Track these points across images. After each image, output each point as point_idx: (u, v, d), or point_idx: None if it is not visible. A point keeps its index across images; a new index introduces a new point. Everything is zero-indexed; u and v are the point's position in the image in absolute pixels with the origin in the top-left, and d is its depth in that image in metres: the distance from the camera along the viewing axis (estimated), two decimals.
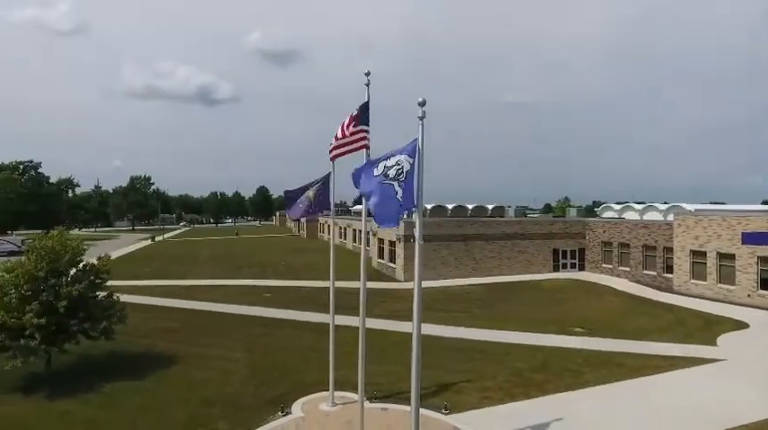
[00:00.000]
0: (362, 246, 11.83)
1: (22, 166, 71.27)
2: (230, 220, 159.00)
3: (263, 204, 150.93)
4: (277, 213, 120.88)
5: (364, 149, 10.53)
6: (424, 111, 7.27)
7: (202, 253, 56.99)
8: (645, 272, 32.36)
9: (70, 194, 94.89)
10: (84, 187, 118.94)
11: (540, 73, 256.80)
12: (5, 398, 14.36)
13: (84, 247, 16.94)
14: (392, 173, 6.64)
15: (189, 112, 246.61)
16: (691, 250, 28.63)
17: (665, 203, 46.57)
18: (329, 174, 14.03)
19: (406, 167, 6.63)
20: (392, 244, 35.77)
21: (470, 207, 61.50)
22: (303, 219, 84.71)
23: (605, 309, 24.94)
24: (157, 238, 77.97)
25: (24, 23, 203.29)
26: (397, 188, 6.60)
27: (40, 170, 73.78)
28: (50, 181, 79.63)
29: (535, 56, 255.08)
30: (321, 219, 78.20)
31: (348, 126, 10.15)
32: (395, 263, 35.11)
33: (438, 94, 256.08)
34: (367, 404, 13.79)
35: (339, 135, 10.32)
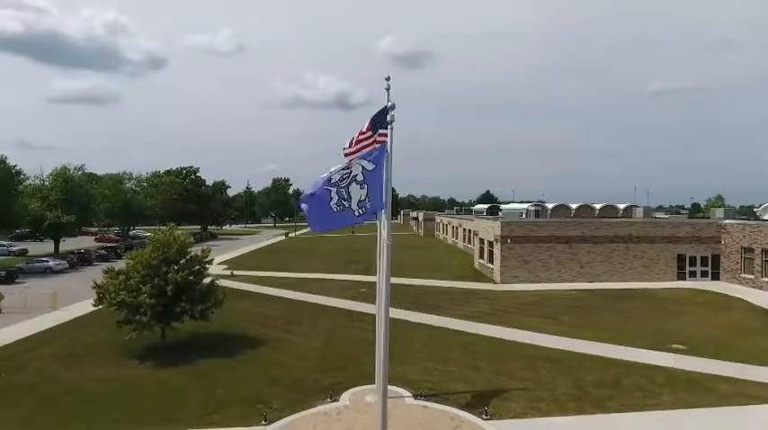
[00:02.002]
0: (380, 243, 12.10)
1: (185, 171, 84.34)
2: None
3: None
4: (401, 212, 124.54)
5: (383, 145, 10.85)
6: (393, 116, 7.51)
7: (322, 248, 61.33)
8: None
9: (224, 195, 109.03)
10: (238, 188, 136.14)
11: (698, 55, 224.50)
12: (125, 362, 17.61)
13: (190, 241, 19.86)
14: (336, 178, 6.96)
15: (328, 118, 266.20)
16: None
17: None
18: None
19: (356, 171, 6.91)
20: (491, 244, 34.96)
21: (598, 207, 56.92)
22: (421, 217, 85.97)
23: (724, 326, 21.58)
24: (290, 235, 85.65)
25: (196, 48, 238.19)
26: (334, 194, 6.89)
27: (198, 174, 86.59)
28: (207, 183, 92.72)
29: (693, 36, 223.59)
30: (438, 218, 78.67)
31: (366, 130, 10.55)
32: (493, 263, 34.27)
33: (573, 85, 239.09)
34: (410, 400, 14.20)
35: (356, 139, 10.74)
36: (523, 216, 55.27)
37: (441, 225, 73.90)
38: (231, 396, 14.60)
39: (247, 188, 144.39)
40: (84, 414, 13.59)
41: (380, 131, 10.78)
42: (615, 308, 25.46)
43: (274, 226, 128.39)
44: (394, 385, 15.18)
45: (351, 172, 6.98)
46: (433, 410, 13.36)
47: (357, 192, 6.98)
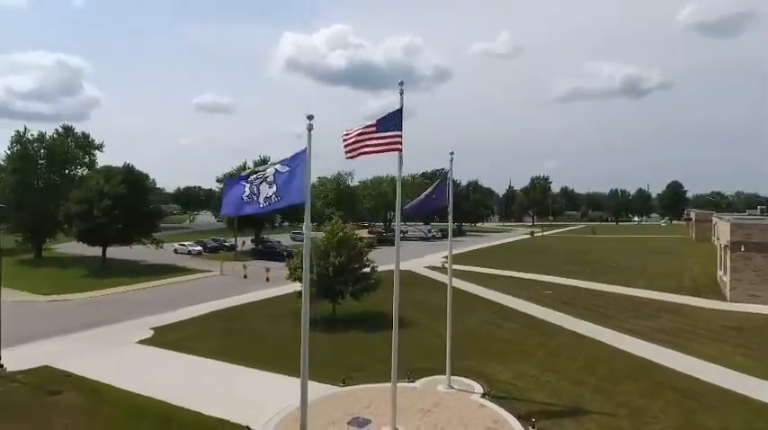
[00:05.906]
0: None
1: (437, 173, 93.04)
2: (636, 219, 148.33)
3: (672, 201, 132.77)
4: (684, 212, 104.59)
5: (398, 152, 11.64)
6: (311, 125, 8.75)
7: (552, 249, 58.48)
8: None
9: (476, 194, 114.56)
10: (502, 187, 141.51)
11: None
12: (300, 326, 22.60)
13: (347, 232, 23.79)
14: (252, 177, 8.60)
15: (613, 107, 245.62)
16: None
17: None
18: (447, 173, 15.25)
19: (268, 173, 8.43)
20: (726, 252, 27.82)
21: None
22: (694, 218, 71.17)
23: None
24: (535, 234, 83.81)
25: (477, 54, 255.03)
26: (246, 189, 8.50)
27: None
28: (463, 183, 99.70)
29: None
30: (714, 219, 63.68)
31: (372, 127, 11.24)
32: (726, 276, 27.27)
33: None
34: (476, 397, 14.31)
35: (358, 133, 11.32)
36: None
37: (716, 227, 60.04)
38: (341, 361, 17.41)
39: (509, 188, 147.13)
40: (254, 353, 18.49)
41: (396, 133, 11.58)
42: None
43: (532, 224, 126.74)
44: (473, 380, 15.44)
45: (264, 174, 8.69)
46: (486, 410, 13.24)
47: (265, 190, 8.61)
